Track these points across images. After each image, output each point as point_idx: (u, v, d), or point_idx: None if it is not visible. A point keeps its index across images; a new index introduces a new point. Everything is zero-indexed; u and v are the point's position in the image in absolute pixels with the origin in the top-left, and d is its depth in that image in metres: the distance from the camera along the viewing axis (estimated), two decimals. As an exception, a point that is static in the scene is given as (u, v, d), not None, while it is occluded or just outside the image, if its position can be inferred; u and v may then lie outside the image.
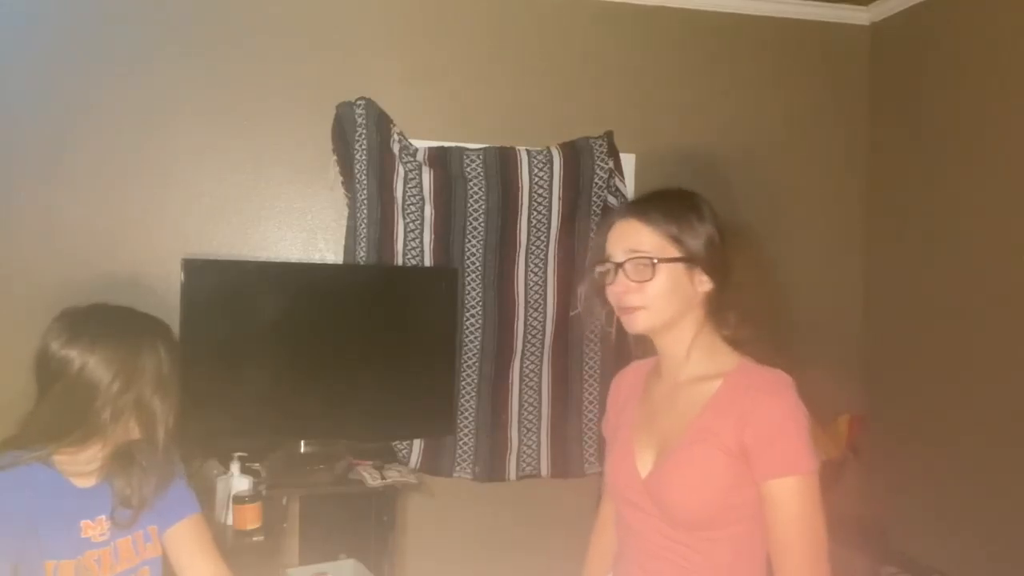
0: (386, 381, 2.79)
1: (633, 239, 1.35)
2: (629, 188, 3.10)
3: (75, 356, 1.42)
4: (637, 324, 1.36)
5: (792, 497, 1.26)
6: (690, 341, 1.38)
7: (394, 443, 2.93)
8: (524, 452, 3.06)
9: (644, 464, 1.40)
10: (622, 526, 1.48)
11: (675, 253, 1.34)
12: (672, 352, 1.41)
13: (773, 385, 1.32)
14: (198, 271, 2.61)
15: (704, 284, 1.36)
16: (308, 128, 2.89)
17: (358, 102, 2.86)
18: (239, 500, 2.40)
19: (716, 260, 1.36)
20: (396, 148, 2.89)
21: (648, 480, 1.38)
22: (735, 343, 1.40)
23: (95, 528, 1.46)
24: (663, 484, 1.35)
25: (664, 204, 1.39)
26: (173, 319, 2.56)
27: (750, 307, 1.41)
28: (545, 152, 3.01)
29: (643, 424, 1.45)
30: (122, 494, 1.49)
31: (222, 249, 2.85)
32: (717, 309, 1.39)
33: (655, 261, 1.32)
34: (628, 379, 1.57)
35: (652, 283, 1.33)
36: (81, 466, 1.45)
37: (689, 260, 1.34)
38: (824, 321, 3.37)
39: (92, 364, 1.41)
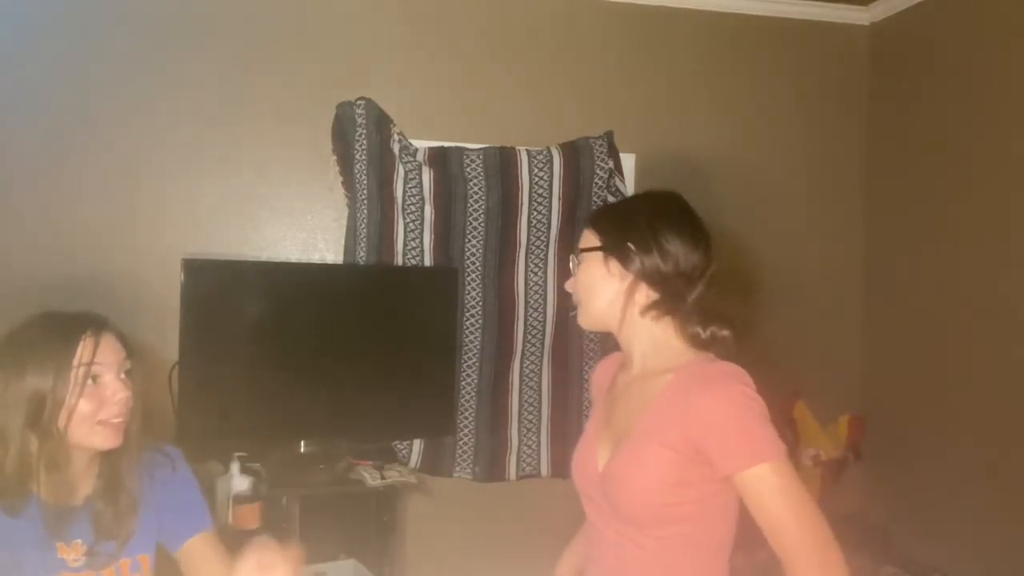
0: (386, 381, 2.79)
1: (581, 240, 1.43)
2: (629, 188, 3.10)
3: None
4: (579, 319, 1.44)
5: (764, 482, 1.20)
6: (633, 334, 1.37)
7: (394, 443, 2.93)
8: (524, 452, 3.06)
9: (602, 458, 1.39)
10: (586, 520, 1.48)
11: (593, 244, 1.38)
12: (625, 348, 1.42)
13: (717, 377, 1.27)
14: (198, 271, 2.61)
15: (621, 273, 1.35)
16: (308, 128, 2.89)
17: (358, 102, 2.86)
18: (239, 500, 2.40)
19: (629, 250, 1.33)
20: (396, 148, 2.89)
21: (602, 474, 1.37)
22: (699, 344, 1.34)
23: (70, 552, 1.38)
24: (612, 480, 1.33)
25: (610, 205, 1.47)
26: (173, 319, 2.58)
27: (722, 314, 1.34)
28: (545, 152, 3.01)
29: (604, 417, 1.44)
30: (101, 521, 1.39)
31: (222, 249, 2.85)
32: (671, 310, 1.34)
33: (577, 254, 1.41)
34: (602, 371, 1.57)
35: (578, 276, 1.41)
36: (58, 485, 1.37)
37: (604, 249, 1.36)
38: (824, 321, 3.37)
39: None
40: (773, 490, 1.21)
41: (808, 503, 1.22)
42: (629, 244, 1.34)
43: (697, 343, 1.34)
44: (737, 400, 1.24)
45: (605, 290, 1.37)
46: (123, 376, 1.39)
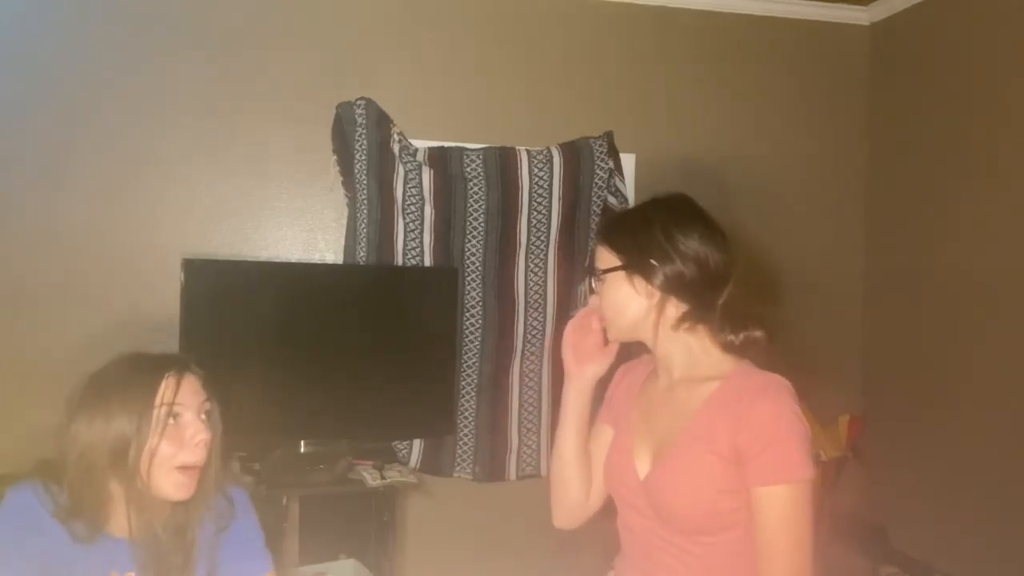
0: (386, 381, 2.79)
1: (596, 258, 1.42)
2: (629, 188, 3.10)
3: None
4: (608, 335, 1.43)
5: (780, 505, 1.23)
6: (670, 347, 1.36)
7: (394, 443, 2.93)
8: (524, 452, 3.06)
9: (642, 465, 1.39)
10: (622, 526, 1.47)
11: (613, 263, 1.36)
12: (659, 356, 1.40)
13: (769, 389, 1.28)
14: (198, 271, 2.61)
15: (647, 290, 1.33)
16: (308, 128, 2.89)
17: (358, 102, 2.86)
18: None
19: (652, 266, 1.32)
20: (396, 148, 2.89)
21: (646, 482, 1.36)
22: (734, 350, 1.34)
23: None
24: (659, 487, 1.33)
25: (620, 218, 1.47)
26: (173, 319, 2.58)
27: (752, 315, 1.34)
28: (545, 152, 3.01)
29: (640, 424, 1.43)
30: (157, 559, 1.36)
31: (222, 249, 2.85)
32: (702, 317, 1.33)
33: (597, 274, 1.39)
34: (631, 374, 1.55)
35: (603, 296, 1.39)
36: (136, 524, 1.36)
37: (626, 268, 1.35)
38: (824, 321, 3.37)
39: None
40: (783, 515, 1.23)
41: (807, 539, 1.24)
42: (651, 260, 1.32)
43: (732, 349, 1.33)
44: (786, 415, 1.25)
45: (634, 308, 1.35)
46: (203, 417, 1.38)
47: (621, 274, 1.35)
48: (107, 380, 1.35)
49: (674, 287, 1.32)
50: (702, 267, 1.31)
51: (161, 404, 1.32)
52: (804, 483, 1.23)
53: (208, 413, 1.40)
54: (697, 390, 1.33)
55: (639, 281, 1.33)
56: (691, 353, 1.35)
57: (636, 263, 1.33)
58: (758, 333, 1.32)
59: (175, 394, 1.34)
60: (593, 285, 1.41)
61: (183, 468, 1.34)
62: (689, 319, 1.33)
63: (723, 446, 1.26)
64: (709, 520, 1.29)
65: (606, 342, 1.46)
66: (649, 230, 1.34)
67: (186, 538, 1.39)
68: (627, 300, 1.35)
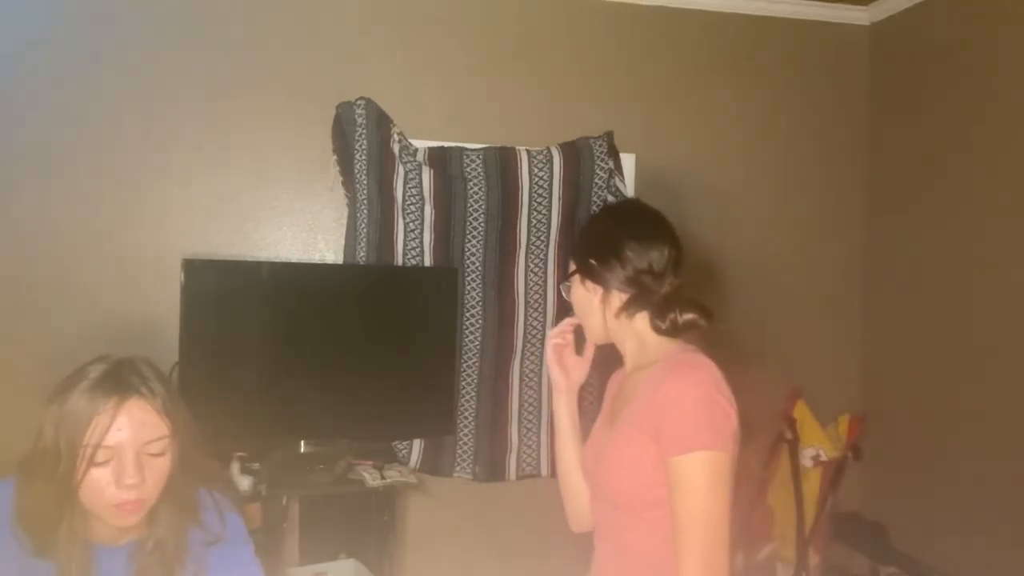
0: (386, 381, 2.79)
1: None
2: (629, 188, 3.10)
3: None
4: (587, 338, 1.55)
5: (687, 474, 1.26)
6: (619, 336, 1.49)
7: (394, 443, 2.93)
8: (524, 452, 3.06)
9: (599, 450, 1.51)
10: (592, 512, 1.57)
11: (571, 270, 1.52)
12: (619, 350, 1.52)
13: (685, 366, 1.35)
14: (198, 271, 2.61)
15: (594, 288, 1.47)
16: (308, 128, 2.89)
17: (358, 102, 2.86)
18: (239, 500, 2.40)
19: (591, 267, 1.46)
20: (396, 148, 2.89)
21: (595, 463, 1.48)
22: (667, 333, 1.43)
23: None
24: (599, 465, 1.45)
25: (580, 230, 1.62)
26: (173, 319, 2.59)
27: (687, 301, 1.43)
28: (545, 152, 3.01)
29: (607, 415, 1.55)
30: (143, 568, 1.34)
31: (222, 249, 2.85)
32: (643, 306, 1.44)
33: (563, 284, 1.55)
34: (618, 376, 1.64)
35: (571, 300, 1.53)
36: (88, 531, 1.32)
37: (579, 272, 1.50)
38: (824, 321, 3.37)
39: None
40: (690, 484, 1.27)
41: (717, 510, 1.26)
42: (591, 261, 1.47)
43: (662, 333, 1.43)
44: (694, 389, 1.31)
45: (590, 307, 1.49)
46: (149, 453, 1.29)
47: (577, 278, 1.51)
48: (59, 392, 1.29)
49: (616, 283, 1.45)
50: (636, 265, 1.43)
51: (87, 444, 1.24)
52: (710, 453, 1.27)
53: (163, 445, 1.30)
54: (640, 375, 1.44)
55: (588, 282, 1.49)
56: (638, 340, 1.46)
57: (583, 266, 1.49)
58: (688, 316, 1.41)
59: (106, 432, 1.25)
60: (565, 296, 1.57)
61: (118, 506, 1.27)
62: (627, 309, 1.45)
63: (647, 423, 1.34)
64: (642, 493, 1.36)
65: (578, 351, 1.60)
66: (594, 235, 1.52)
67: (166, 551, 1.35)
68: (584, 301, 1.50)
